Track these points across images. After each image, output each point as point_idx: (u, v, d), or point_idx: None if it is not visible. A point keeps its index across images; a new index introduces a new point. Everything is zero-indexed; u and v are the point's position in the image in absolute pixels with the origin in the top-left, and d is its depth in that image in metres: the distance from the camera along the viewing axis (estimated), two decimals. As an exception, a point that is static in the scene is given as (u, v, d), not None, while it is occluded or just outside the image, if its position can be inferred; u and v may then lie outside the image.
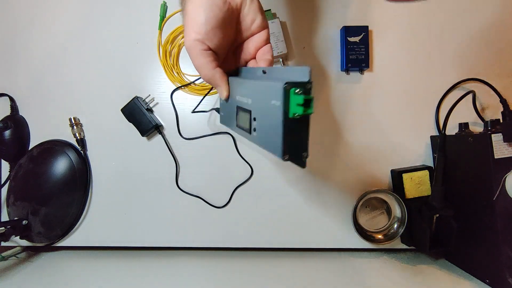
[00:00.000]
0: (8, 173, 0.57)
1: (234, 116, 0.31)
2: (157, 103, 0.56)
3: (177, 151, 0.56)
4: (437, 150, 0.50)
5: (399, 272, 0.50)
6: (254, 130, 0.26)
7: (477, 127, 0.52)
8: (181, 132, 0.55)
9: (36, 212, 0.54)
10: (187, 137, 0.55)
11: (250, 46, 0.34)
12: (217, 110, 0.39)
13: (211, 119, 0.55)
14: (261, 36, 0.33)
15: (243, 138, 0.54)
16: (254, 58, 0.34)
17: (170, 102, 0.55)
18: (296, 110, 0.22)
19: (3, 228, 0.51)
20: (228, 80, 0.32)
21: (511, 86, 0.52)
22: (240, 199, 0.55)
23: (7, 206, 0.56)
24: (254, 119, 0.26)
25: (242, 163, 0.55)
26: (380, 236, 0.53)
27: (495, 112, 0.52)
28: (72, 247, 0.58)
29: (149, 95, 0.55)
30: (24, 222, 0.54)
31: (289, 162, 0.24)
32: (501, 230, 0.42)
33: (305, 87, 0.22)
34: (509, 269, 0.41)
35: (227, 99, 0.33)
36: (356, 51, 0.51)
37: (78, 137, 0.56)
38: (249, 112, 0.27)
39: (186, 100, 0.56)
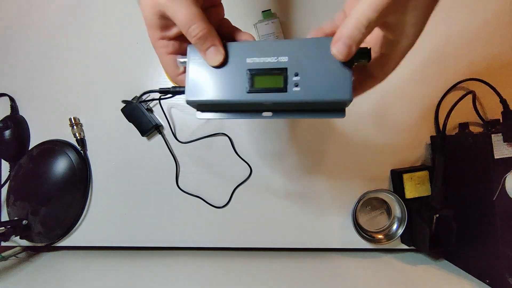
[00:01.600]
0: (8, 173, 0.58)
1: (240, 81, 0.28)
2: (157, 103, 0.56)
3: (177, 151, 0.56)
4: (437, 150, 0.50)
5: (399, 272, 0.50)
6: (296, 85, 0.27)
7: (477, 127, 0.52)
8: (178, 135, 0.55)
9: (36, 212, 0.54)
10: (183, 141, 0.55)
11: (211, 15, 0.30)
12: (172, 92, 0.33)
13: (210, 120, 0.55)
14: (220, 8, 0.31)
15: (240, 137, 0.53)
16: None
17: (170, 102, 0.55)
18: (360, 60, 0.26)
19: (3, 228, 0.51)
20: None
21: (511, 86, 0.52)
22: (240, 198, 0.55)
23: (7, 206, 0.56)
24: (296, 74, 0.27)
25: (241, 162, 0.55)
26: (380, 236, 0.53)
27: (495, 112, 0.52)
28: (72, 247, 0.58)
29: (149, 95, 0.55)
30: (24, 222, 0.54)
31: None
32: (501, 230, 0.42)
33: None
34: (509, 269, 0.41)
35: (222, 64, 0.27)
36: (356, 51, 0.51)
37: (78, 137, 0.56)
38: (283, 69, 0.27)
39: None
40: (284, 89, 0.27)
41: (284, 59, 0.27)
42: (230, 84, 0.28)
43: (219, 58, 0.27)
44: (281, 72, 0.27)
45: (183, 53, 0.29)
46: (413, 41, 0.25)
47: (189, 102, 0.29)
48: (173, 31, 0.28)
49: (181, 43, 0.29)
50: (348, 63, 0.26)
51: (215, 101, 0.28)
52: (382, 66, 0.27)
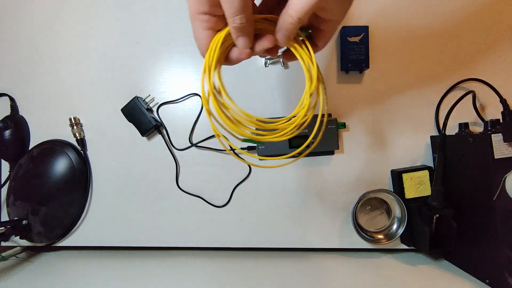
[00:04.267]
0: (8, 173, 0.58)
1: (284, 144, 0.51)
2: (157, 103, 0.56)
3: (177, 151, 0.56)
4: (437, 150, 0.50)
5: (399, 272, 0.50)
6: (313, 143, 0.45)
7: (477, 127, 0.52)
8: (178, 136, 0.56)
9: (36, 212, 0.54)
10: (179, 148, 0.56)
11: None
12: (249, 147, 0.54)
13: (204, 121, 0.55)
14: None
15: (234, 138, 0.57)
16: None
17: (170, 102, 0.55)
18: (340, 127, 0.51)
19: (3, 228, 0.51)
20: None
21: (511, 86, 0.52)
22: (240, 198, 0.55)
23: (7, 206, 0.56)
24: (313, 138, 0.46)
25: (240, 162, 0.55)
26: (380, 236, 0.53)
27: (495, 112, 0.52)
28: (72, 247, 0.58)
29: (149, 95, 0.55)
30: (24, 222, 0.54)
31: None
32: (501, 231, 0.42)
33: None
34: (509, 269, 0.41)
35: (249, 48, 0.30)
36: (356, 51, 0.51)
37: (78, 137, 0.56)
38: (307, 135, 0.48)
39: (185, 102, 0.56)
40: (307, 145, 0.47)
41: (305, 130, 0.46)
42: (280, 145, 0.51)
43: (245, 45, 0.29)
44: (305, 137, 0.48)
45: (218, 30, 0.29)
46: (340, 19, 0.29)
47: (259, 155, 0.51)
48: (221, 10, 0.27)
49: (222, 22, 0.28)
50: (336, 136, 0.51)
51: (273, 154, 0.51)
52: (322, 38, 0.31)
